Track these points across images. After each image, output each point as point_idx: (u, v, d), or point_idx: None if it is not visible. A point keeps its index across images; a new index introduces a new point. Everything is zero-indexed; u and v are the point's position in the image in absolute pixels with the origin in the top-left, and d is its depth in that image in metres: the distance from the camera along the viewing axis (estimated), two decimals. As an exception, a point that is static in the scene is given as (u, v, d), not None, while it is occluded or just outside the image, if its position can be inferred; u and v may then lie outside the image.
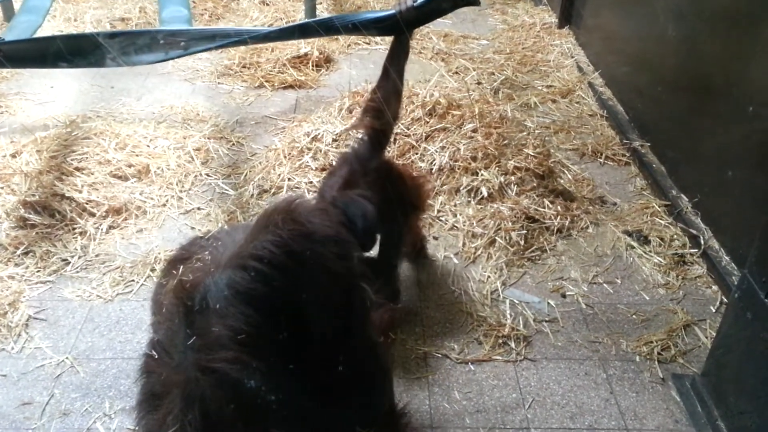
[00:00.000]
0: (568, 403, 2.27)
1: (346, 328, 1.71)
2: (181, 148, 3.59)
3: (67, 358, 2.41)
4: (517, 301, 2.68)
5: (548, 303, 2.68)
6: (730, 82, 2.89)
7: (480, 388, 2.32)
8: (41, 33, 3.34)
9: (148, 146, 3.57)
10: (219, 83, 4.44)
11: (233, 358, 1.50)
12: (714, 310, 2.66)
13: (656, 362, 2.42)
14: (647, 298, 2.72)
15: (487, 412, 2.23)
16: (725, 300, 2.70)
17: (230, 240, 1.82)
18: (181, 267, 1.77)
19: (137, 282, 2.75)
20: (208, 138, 3.72)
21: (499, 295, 2.70)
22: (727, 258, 2.83)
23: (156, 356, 1.64)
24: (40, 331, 2.53)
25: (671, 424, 2.21)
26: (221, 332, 1.51)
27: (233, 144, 3.72)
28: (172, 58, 2.71)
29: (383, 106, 2.36)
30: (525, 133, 3.50)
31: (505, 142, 3.34)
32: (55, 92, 4.27)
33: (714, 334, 2.51)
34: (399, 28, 2.36)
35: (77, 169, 3.30)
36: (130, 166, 3.37)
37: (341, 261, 1.68)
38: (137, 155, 3.47)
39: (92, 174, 3.28)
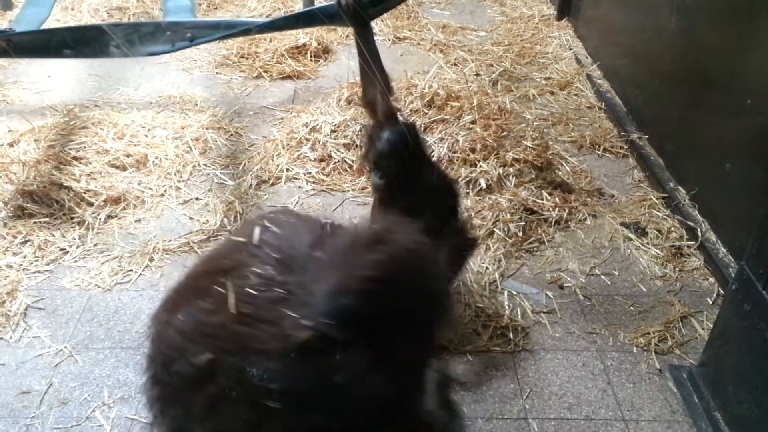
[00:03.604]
0: (565, 394, 2.29)
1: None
2: (179, 138, 3.58)
3: (65, 347, 2.42)
4: (515, 293, 2.68)
5: (546, 294, 2.69)
6: (728, 74, 2.90)
7: (478, 379, 2.33)
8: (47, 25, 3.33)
9: (146, 136, 3.57)
10: (217, 73, 4.42)
11: None
12: (711, 302, 2.68)
13: (653, 353, 2.43)
14: (644, 290, 2.73)
15: (485, 402, 2.25)
16: (722, 292, 2.71)
17: (291, 248, 1.51)
18: (230, 280, 1.44)
19: (135, 272, 2.75)
20: (207, 128, 3.71)
21: (497, 287, 2.71)
22: (724, 250, 2.84)
23: None
24: (39, 320, 2.54)
25: (668, 415, 2.22)
26: None
27: (231, 134, 3.72)
28: (179, 49, 2.71)
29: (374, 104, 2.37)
30: (524, 125, 3.50)
31: (503, 133, 3.34)
32: (53, 81, 4.25)
33: (711, 325, 2.52)
34: (346, 19, 2.32)
35: (75, 158, 3.29)
36: (128, 155, 3.36)
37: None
38: (135, 145, 3.47)
39: (90, 163, 3.27)
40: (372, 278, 1.36)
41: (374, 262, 1.39)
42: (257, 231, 1.48)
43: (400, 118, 2.34)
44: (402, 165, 2.12)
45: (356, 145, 3.37)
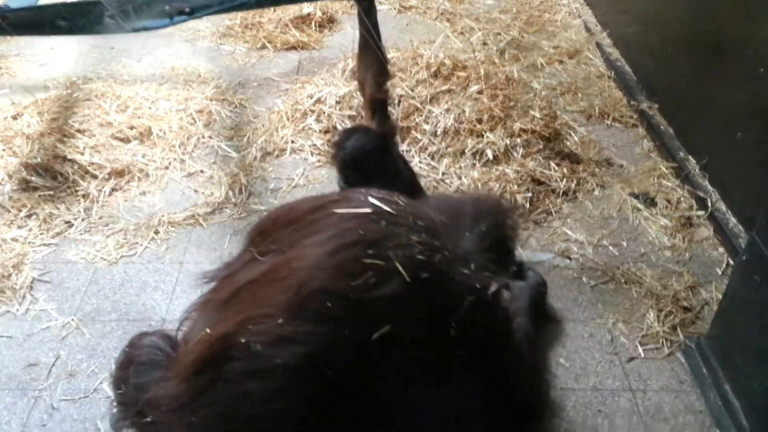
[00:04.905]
0: (572, 365, 2.28)
1: None
2: (183, 110, 3.55)
3: (72, 319, 2.42)
4: (527, 261, 2.66)
5: (556, 264, 2.67)
6: (741, 42, 2.83)
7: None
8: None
9: (150, 108, 3.53)
10: (221, 44, 4.37)
11: None
12: (720, 273, 2.65)
13: (661, 324, 2.41)
14: (653, 260, 2.70)
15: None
16: (731, 262, 2.68)
17: (426, 217, 1.58)
18: (390, 252, 1.45)
19: (141, 245, 2.75)
20: (211, 100, 3.67)
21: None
22: (734, 220, 2.80)
23: None
24: (45, 293, 2.54)
25: (676, 385, 2.21)
26: None
27: (236, 106, 3.68)
28: (178, 23, 2.66)
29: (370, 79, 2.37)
30: (531, 95, 3.45)
31: (511, 103, 3.29)
32: (55, 53, 4.21)
33: (720, 296, 2.50)
34: None
35: (79, 131, 3.27)
36: (131, 128, 3.34)
37: None
38: (139, 117, 3.44)
39: (94, 136, 3.25)
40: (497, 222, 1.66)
41: (486, 209, 1.67)
42: (378, 202, 1.53)
43: (374, 125, 2.35)
44: (363, 176, 2.11)
45: (361, 117, 3.33)
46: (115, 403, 1.90)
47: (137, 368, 1.77)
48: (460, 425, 1.49)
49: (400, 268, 1.40)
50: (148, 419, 1.57)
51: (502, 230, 1.74)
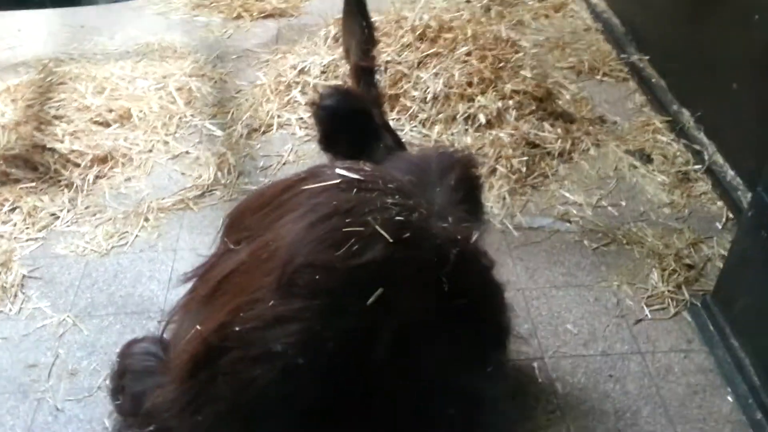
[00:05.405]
0: (580, 331, 2.26)
1: None
2: (162, 88, 3.43)
3: (68, 316, 2.35)
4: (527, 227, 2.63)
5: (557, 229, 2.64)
6: (734, -12, 2.77)
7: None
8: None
9: (128, 88, 3.41)
10: (194, 16, 4.21)
11: None
12: (720, 227, 2.63)
13: (666, 283, 2.40)
14: (653, 219, 2.68)
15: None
16: (731, 216, 2.67)
17: (394, 180, 1.61)
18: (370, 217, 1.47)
19: (131, 234, 2.67)
20: (189, 76, 3.55)
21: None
22: (732, 173, 2.77)
23: None
24: (37, 290, 2.46)
25: (684, 345, 2.21)
26: None
27: (216, 81, 3.56)
28: None
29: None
30: (521, 54, 3.36)
31: (500, 64, 3.21)
32: (23, 35, 4.03)
33: (722, 251, 2.49)
34: None
35: (56, 117, 3.15)
36: (110, 111, 3.22)
37: None
38: (117, 99, 3.32)
39: (72, 122, 3.13)
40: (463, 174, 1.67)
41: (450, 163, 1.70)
42: (346, 172, 1.53)
43: (354, 88, 2.28)
44: (344, 139, 2.07)
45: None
46: (113, 413, 1.87)
47: (132, 377, 1.73)
48: (455, 371, 1.53)
49: (382, 232, 1.40)
50: (150, 428, 1.54)
51: (468, 181, 1.77)
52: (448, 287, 1.44)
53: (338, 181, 1.52)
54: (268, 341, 1.35)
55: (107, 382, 2.03)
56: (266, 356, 1.35)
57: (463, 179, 1.70)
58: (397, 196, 1.50)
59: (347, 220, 1.42)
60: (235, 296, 1.46)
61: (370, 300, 1.36)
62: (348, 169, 1.57)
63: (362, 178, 1.54)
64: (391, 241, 1.40)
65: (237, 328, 1.38)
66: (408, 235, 1.42)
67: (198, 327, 1.46)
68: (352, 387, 1.39)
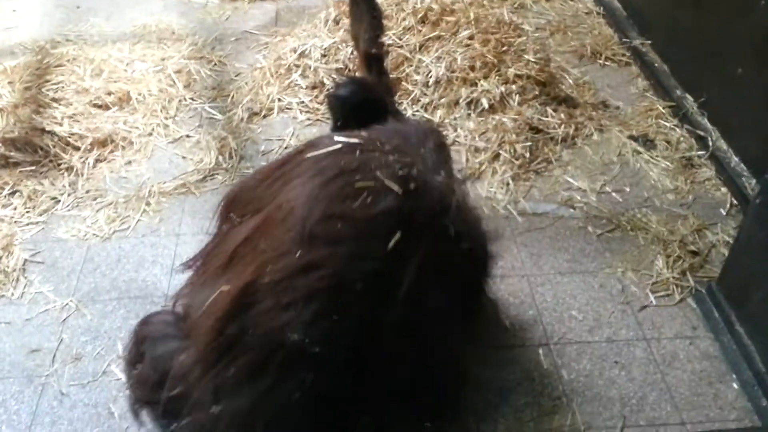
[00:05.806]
0: (585, 317, 2.27)
1: None
2: (160, 71, 3.39)
3: (71, 301, 2.34)
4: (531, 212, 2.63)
5: (561, 215, 2.63)
6: (740, -29, 2.74)
7: (496, 308, 2.30)
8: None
9: (126, 71, 3.37)
10: (191, -3, 4.16)
11: None
12: (725, 213, 2.63)
13: (670, 269, 2.40)
14: (657, 205, 2.67)
15: (506, 331, 2.22)
16: (735, 202, 2.67)
17: (389, 141, 1.75)
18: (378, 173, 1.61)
19: (133, 218, 2.65)
20: (188, 58, 3.51)
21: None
22: (736, 158, 2.77)
23: None
24: (39, 274, 2.44)
25: (689, 331, 2.22)
26: None
27: (215, 64, 3.52)
28: None
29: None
30: (524, 38, 3.33)
31: (503, 48, 3.18)
32: (19, 16, 3.97)
33: (726, 237, 2.50)
34: None
35: (54, 99, 3.11)
36: (109, 93, 3.18)
37: None
38: (115, 81, 3.28)
39: (71, 105, 3.10)
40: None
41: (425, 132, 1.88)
42: (345, 138, 1.66)
43: (368, 77, 2.30)
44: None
45: (349, 70, 3.21)
46: (130, 383, 1.87)
47: (152, 343, 1.77)
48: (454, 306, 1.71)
49: (391, 184, 1.53)
50: (172, 393, 1.56)
51: (443, 149, 1.92)
52: (453, 232, 1.58)
53: (340, 146, 1.65)
54: (299, 288, 1.45)
55: (120, 352, 2.11)
56: (298, 301, 1.45)
57: (438, 146, 1.84)
58: (396, 155, 1.63)
59: (357, 177, 1.55)
60: (257, 256, 1.55)
61: (391, 243, 1.48)
62: (346, 135, 1.70)
63: (361, 142, 1.67)
64: (400, 192, 1.53)
65: (266, 280, 1.47)
66: (413, 186, 1.56)
67: (224, 288, 1.54)
68: (378, 320, 1.51)
